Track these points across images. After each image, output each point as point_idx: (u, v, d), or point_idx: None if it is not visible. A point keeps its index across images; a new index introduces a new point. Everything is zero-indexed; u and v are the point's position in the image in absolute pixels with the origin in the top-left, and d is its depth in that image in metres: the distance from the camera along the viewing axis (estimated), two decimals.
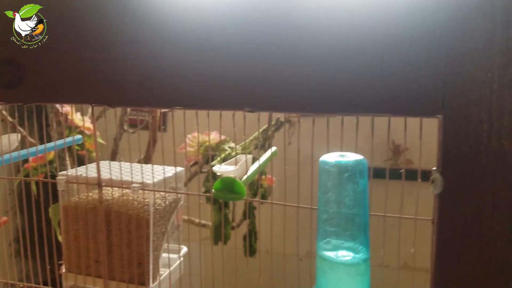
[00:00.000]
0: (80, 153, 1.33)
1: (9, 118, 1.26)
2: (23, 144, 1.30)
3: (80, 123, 1.23)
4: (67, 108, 1.25)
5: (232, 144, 1.13)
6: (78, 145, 1.28)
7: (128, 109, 1.41)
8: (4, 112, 1.25)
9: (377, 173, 1.83)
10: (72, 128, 1.27)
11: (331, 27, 0.44)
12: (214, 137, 1.11)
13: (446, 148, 0.44)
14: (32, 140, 1.29)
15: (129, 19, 0.51)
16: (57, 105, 1.24)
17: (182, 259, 0.65)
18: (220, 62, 0.49)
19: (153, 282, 0.62)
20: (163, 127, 1.81)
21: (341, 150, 0.53)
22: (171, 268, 0.64)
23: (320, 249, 0.48)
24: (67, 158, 1.24)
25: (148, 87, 0.52)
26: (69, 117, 1.25)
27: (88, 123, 1.25)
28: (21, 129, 1.28)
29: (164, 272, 0.64)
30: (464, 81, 0.41)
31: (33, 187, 1.17)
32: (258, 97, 0.49)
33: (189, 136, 1.12)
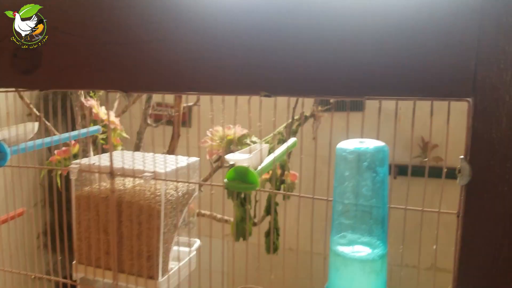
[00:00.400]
0: (105, 147, 1.34)
1: (36, 112, 1.28)
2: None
3: (104, 117, 1.23)
4: (91, 102, 1.25)
5: (254, 138, 1.11)
6: (103, 139, 1.29)
7: (152, 104, 1.40)
8: (31, 106, 1.27)
9: (405, 170, 1.75)
10: (97, 122, 1.27)
11: (353, 9, 0.41)
12: (235, 131, 1.09)
13: (476, 135, 0.40)
14: (57, 134, 1.30)
15: (143, 1, 0.49)
16: (82, 99, 1.25)
17: (194, 253, 0.63)
18: (235, 45, 0.46)
19: (163, 276, 0.60)
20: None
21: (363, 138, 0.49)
22: (181, 264, 0.62)
23: (334, 244, 0.45)
24: (91, 152, 1.24)
25: (162, 71, 0.50)
26: (94, 111, 1.25)
27: (113, 117, 1.25)
28: (47, 122, 1.30)
29: (174, 266, 0.62)
30: (498, 60, 0.37)
31: (58, 180, 1.17)
32: (275, 81, 0.46)
33: (211, 130, 1.10)
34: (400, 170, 1.70)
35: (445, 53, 0.39)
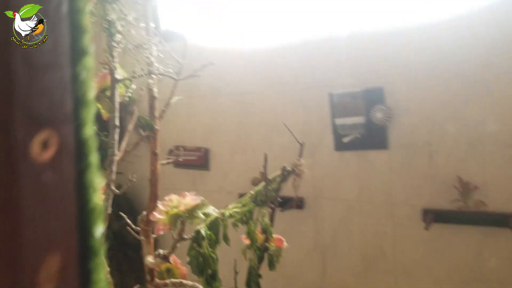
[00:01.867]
0: None
1: None
2: None
3: None
4: None
5: (210, 209, 0.97)
6: None
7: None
8: None
9: (442, 217, 1.44)
10: None
11: None
12: (188, 201, 0.96)
13: None
14: None
15: None
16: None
17: None
18: None
19: None
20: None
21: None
22: None
23: None
24: None
25: None
26: None
27: None
28: None
29: None
30: None
31: None
32: None
33: (166, 198, 0.98)
34: (436, 217, 1.36)
35: None
